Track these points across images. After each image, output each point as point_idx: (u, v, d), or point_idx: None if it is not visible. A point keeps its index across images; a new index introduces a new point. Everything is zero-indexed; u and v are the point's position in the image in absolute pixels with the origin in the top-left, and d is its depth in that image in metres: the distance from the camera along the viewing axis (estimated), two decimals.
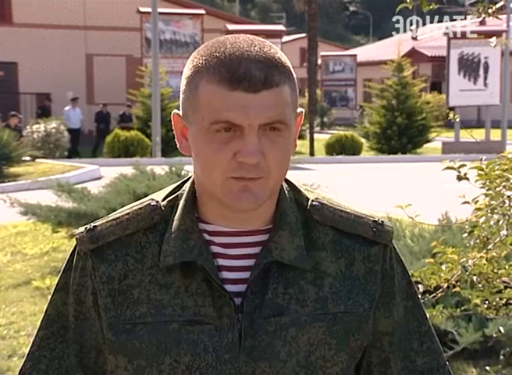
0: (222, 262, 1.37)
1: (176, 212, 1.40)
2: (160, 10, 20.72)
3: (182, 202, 1.40)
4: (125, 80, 28.70)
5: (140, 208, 1.40)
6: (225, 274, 1.37)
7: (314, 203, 1.41)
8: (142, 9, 24.13)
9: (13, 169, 16.97)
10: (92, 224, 1.41)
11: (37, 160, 18.64)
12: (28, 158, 18.32)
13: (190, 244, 1.36)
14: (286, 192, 1.42)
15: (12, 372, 5.21)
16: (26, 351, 1.45)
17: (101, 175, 15.92)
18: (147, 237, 1.39)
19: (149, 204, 1.40)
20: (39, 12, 28.44)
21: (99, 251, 1.39)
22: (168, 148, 19.13)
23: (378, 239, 1.42)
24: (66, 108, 22.92)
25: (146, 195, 1.49)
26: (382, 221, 1.43)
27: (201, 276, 1.35)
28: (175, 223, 1.38)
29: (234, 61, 1.28)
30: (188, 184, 1.42)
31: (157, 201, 1.41)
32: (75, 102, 23.21)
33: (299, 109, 1.38)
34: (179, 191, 1.43)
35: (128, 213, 1.40)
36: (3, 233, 9.72)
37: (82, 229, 1.41)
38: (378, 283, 1.41)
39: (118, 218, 1.40)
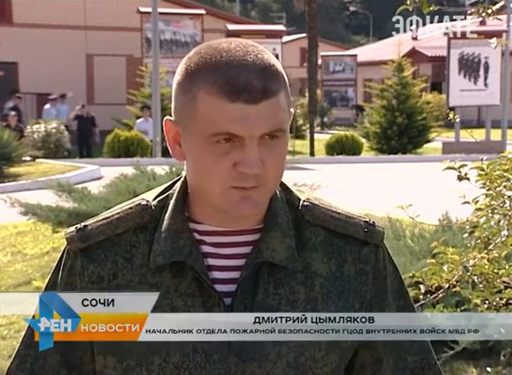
0: (212, 261, 1.37)
1: (166, 212, 1.39)
2: (160, 10, 20.68)
3: (172, 202, 1.40)
4: (125, 80, 28.67)
5: (131, 208, 1.40)
6: (216, 274, 1.36)
7: (305, 203, 1.41)
8: (142, 9, 24.12)
9: (13, 169, 16.94)
10: (83, 223, 1.41)
11: (38, 160, 18.60)
12: (28, 158, 18.30)
13: (180, 244, 1.36)
14: (278, 192, 1.41)
15: None
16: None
17: (101, 175, 15.90)
18: (137, 236, 1.39)
19: (139, 203, 1.40)
20: (39, 12, 28.42)
21: (89, 250, 1.38)
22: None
23: (370, 239, 1.42)
24: (139, 120, 20.86)
25: None
26: (373, 222, 1.43)
27: (191, 276, 1.35)
28: (165, 222, 1.38)
29: (233, 71, 1.27)
30: (179, 184, 1.42)
31: (147, 201, 1.41)
32: (147, 113, 20.43)
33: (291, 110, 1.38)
34: (170, 191, 1.42)
35: (118, 213, 1.40)
36: (3, 233, 9.70)
37: (72, 228, 1.41)
38: (370, 283, 1.41)
39: (108, 217, 1.40)
